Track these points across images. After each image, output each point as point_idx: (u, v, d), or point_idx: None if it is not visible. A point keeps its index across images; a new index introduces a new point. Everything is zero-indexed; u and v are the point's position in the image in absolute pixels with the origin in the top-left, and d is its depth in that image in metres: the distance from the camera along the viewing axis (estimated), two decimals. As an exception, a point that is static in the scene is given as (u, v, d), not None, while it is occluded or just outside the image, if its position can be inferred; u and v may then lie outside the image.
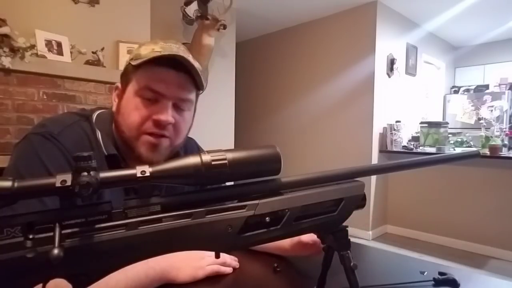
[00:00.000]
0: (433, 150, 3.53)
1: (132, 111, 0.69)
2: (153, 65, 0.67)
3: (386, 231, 3.89)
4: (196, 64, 0.71)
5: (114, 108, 0.74)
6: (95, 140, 0.70)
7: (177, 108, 0.71)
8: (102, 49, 2.29)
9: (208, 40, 3.09)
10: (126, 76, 0.72)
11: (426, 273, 0.70)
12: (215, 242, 0.40)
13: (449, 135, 3.70)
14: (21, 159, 0.64)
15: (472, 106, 4.63)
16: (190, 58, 0.70)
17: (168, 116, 0.68)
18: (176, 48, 0.70)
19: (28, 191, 0.31)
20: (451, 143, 3.63)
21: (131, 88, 0.70)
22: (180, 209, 0.38)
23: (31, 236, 0.31)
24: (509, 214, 3.05)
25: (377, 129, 3.70)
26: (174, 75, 0.69)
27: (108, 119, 0.75)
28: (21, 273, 0.31)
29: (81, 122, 0.72)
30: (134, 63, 0.68)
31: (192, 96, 0.74)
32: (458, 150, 3.51)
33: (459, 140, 3.69)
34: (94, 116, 0.75)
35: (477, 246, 3.23)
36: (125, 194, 0.68)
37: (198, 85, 0.74)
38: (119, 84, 0.75)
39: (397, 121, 3.77)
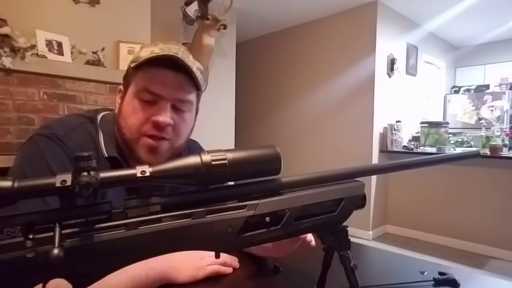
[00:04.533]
0: (433, 150, 3.52)
1: (132, 113, 0.69)
2: (151, 66, 0.67)
3: (386, 231, 3.89)
4: (196, 65, 0.71)
5: (116, 110, 0.75)
6: (98, 142, 0.71)
7: (176, 109, 0.71)
8: (103, 49, 2.29)
9: (209, 40, 3.09)
10: (127, 79, 0.73)
11: (426, 273, 0.69)
12: (215, 242, 0.40)
13: (449, 135, 3.69)
14: (27, 160, 0.64)
15: (472, 106, 4.62)
16: (190, 58, 0.70)
17: (166, 117, 0.68)
18: (175, 49, 0.69)
19: (28, 191, 0.31)
20: (451, 143, 3.63)
21: (131, 90, 0.71)
22: (180, 209, 0.38)
23: (31, 236, 0.31)
24: (509, 214, 3.05)
25: (377, 129, 3.70)
26: (172, 76, 0.68)
27: (112, 121, 0.75)
28: (21, 273, 0.31)
29: (86, 124, 0.72)
30: (133, 65, 0.70)
31: (192, 96, 0.73)
32: (459, 150, 3.51)
33: (460, 140, 3.69)
34: (99, 117, 0.75)
35: (477, 246, 3.23)
36: (127, 194, 0.68)
37: (198, 86, 0.73)
38: (121, 87, 0.75)
39: (397, 121, 3.76)
